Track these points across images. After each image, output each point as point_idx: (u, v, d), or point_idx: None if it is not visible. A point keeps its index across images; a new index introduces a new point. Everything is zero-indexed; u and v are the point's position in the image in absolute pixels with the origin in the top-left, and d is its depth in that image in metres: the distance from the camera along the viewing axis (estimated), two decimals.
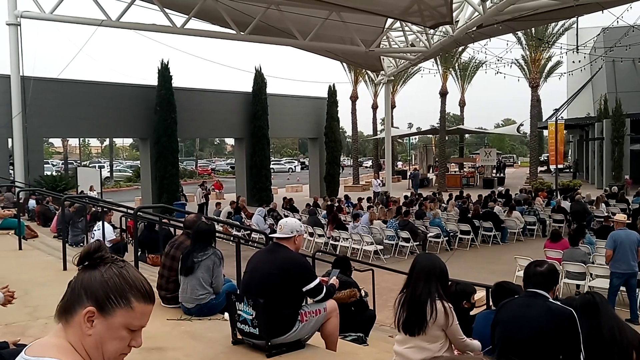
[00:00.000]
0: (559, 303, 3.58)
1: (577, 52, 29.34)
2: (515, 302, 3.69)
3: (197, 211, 19.08)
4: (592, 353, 3.64)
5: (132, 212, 9.33)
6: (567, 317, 3.38)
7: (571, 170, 43.31)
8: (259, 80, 26.90)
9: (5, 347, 3.02)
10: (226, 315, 4.88)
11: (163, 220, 8.47)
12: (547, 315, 3.41)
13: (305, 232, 15.97)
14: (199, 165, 63.02)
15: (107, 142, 66.05)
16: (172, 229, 10.54)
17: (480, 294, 7.18)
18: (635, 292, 8.72)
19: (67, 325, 1.42)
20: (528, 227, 16.83)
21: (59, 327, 1.44)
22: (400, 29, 17.23)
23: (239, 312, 4.32)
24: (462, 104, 44.04)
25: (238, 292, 4.66)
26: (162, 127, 23.09)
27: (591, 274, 9.87)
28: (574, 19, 24.86)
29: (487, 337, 3.76)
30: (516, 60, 33.90)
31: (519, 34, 30.35)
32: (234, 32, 16.03)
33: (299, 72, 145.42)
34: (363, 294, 6.08)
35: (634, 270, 8.58)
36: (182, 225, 6.77)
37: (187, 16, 15.75)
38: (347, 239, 14.82)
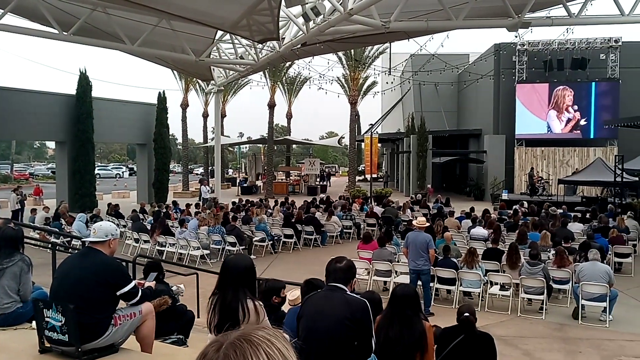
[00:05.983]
0: (355, 295, 3.96)
1: (390, 74, 32.42)
2: (318, 295, 4.02)
3: (11, 218, 17.52)
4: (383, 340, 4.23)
5: None
6: (361, 307, 3.76)
7: (384, 179, 47.60)
8: (84, 82, 25.31)
9: None
10: (33, 324, 4.62)
11: None
12: (344, 306, 3.74)
13: (130, 238, 15.48)
14: (15, 169, 57.70)
15: None
16: None
17: (296, 292, 7.74)
18: (428, 287, 9.85)
19: None
20: (345, 230, 18.13)
21: None
22: (230, 41, 17.46)
23: (47, 319, 4.14)
24: (289, 116, 45.52)
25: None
26: None
27: (396, 271, 11.11)
28: (387, 44, 27.41)
29: (295, 330, 4.00)
30: (337, 78, 36.42)
31: (340, 54, 32.63)
32: (56, 31, 14.85)
33: (129, 77, 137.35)
34: (179, 297, 6.13)
35: (418, 268, 9.71)
36: None
37: (2, 11, 14.24)
38: (173, 244, 14.65)
